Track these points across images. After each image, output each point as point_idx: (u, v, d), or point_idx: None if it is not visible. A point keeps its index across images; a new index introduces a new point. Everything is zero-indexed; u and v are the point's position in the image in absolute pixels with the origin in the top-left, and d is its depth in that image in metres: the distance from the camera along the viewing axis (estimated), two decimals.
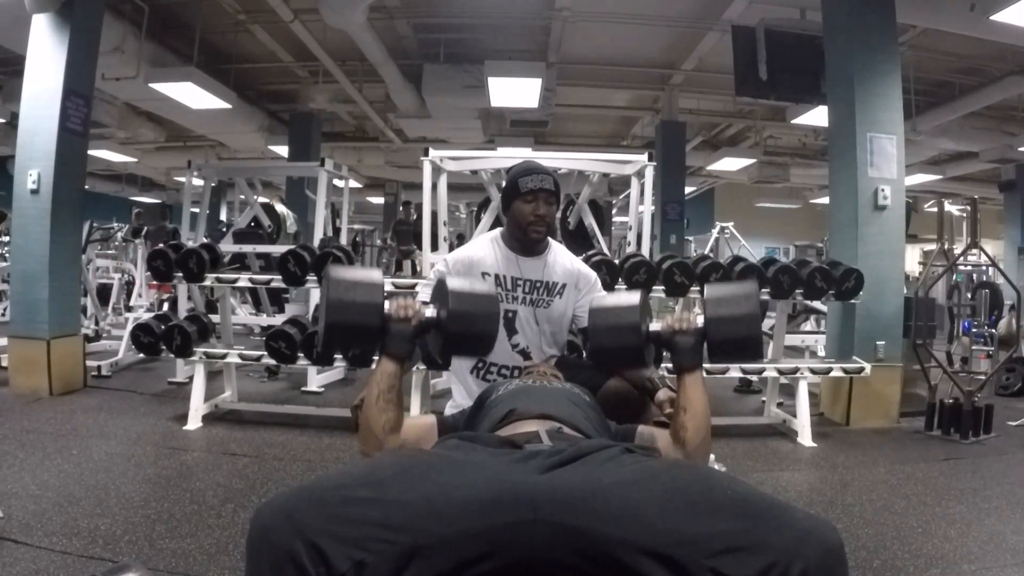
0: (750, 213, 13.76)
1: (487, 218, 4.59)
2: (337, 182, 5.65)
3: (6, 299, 6.62)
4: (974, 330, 6.05)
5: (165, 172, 13.37)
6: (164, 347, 3.68)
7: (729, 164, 10.19)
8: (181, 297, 5.09)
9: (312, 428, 3.73)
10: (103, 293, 6.98)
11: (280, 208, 6.06)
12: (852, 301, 3.92)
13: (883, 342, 4.20)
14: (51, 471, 2.82)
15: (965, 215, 6.73)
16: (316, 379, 4.69)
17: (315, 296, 4.91)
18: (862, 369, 3.84)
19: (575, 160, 4.69)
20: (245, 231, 5.46)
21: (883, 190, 4.20)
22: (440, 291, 1.45)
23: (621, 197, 7.17)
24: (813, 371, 3.85)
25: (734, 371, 3.92)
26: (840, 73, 4.43)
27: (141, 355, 4.65)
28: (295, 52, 7.06)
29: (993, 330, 5.93)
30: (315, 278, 3.62)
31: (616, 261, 3.72)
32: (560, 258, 2.12)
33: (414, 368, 3.38)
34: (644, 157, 4.30)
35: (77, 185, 4.52)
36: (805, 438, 3.71)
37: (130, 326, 4.71)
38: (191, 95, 6.51)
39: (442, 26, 6.55)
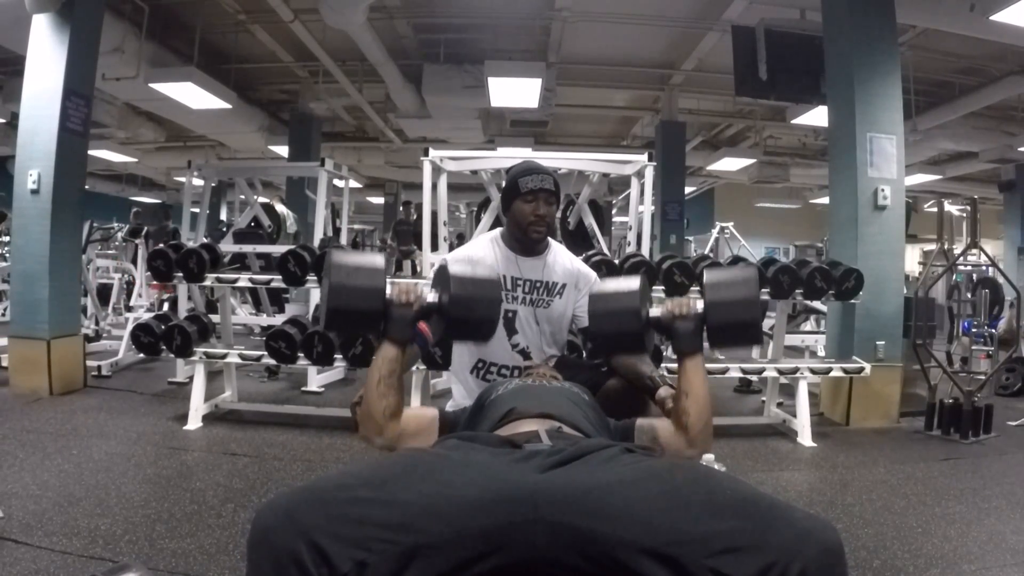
0: (750, 213, 13.77)
1: (487, 218, 4.59)
2: (337, 182, 5.65)
3: (6, 299, 6.62)
4: (974, 330, 6.05)
5: (165, 172, 13.37)
6: (164, 347, 3.68)
7: (729, 164, 10.19)
8: (181, 297, 5.09)
9: (312, 428, 3.73)
10: (103, 293, 6.98)
11: (280, 208, 6.06)
12: (852, 301, 3.92)
13: (883, 342, 4.20)
14: (51, 471, 2.82)
15: (965, 215, 6.74)
16: (316, 379, 4.69)
17: (315, 296, 4.91)
18: (862, 369, 3.84)
19: (575, 160, 4.69)
20: (245, 231, 5.46)
21: (883, 190, 4.20)
22: (442, 277, 1.45)
23: (621, 197, 7.18)
24: (813, 371, 3.85)
25: (734, 371, 3.92)
26: (840, 73, 4.43)
27: (141, 355, 4.65)
28: (295, 52, 7.06)
29: (993, 330, 5.93)
30: (315, 278, 3.62)
31: (616, 261, 3.73)
32: (560, 258, 2.12)
33: (414, 368, 3.38)
34: (644, 157, 4.30)
35: (77, 185, 4.52)
36: (805, 438, 3.71)
37: (130, 326, 4.71)
38: (191, 95, 6.51)
39: (442, 26, 6.55)
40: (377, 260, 1.41)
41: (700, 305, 1.41)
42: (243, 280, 3.83)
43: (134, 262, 6.85)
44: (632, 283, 1.48)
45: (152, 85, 6.14)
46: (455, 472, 0.97)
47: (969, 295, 6.60)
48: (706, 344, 1.43)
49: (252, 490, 2.74)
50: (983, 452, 3.66)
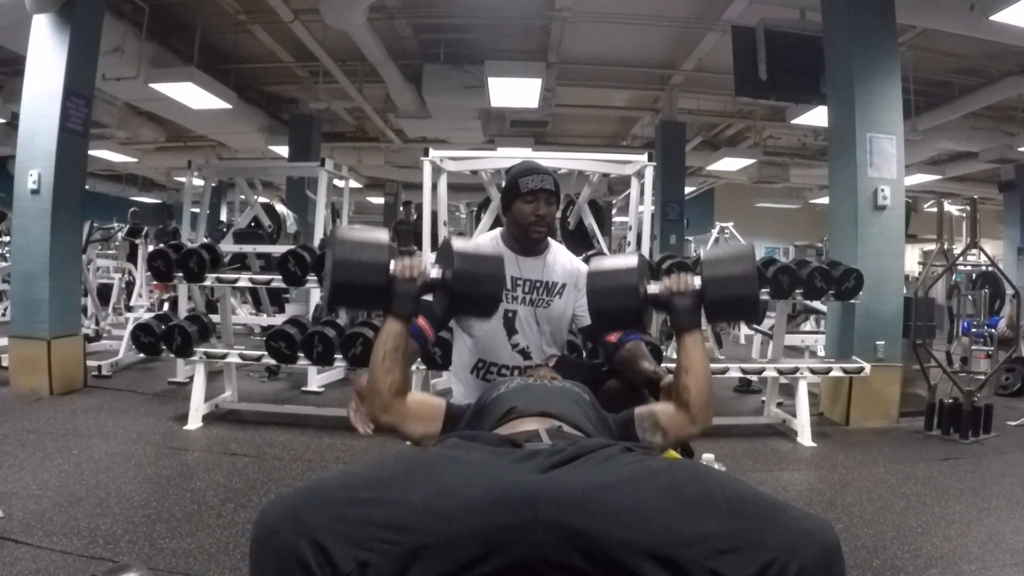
0: (750, 213, 13.77)
1: (487, 218, 4.59)
2: (337, 182, 5.65)
3: (6, 299, 6.62)
4: (974, 330, 6.06)
5: (165, 172, 13.37)
6: (164, 347, 3.68)
7: (729, 164, 10.19)
8: (181, 297, 5.10)
9: (312, 428, 3.73)
10: (103, 293, 6.99)
11: (280, 208, 6.06)
12: (852, 301, 3.93)
13: (883, 342, 4.20)
14: (51, 471, 2.82)
15: (965, 215, 6.74)
16: (316, 379, 4.69)
17: (315, 296, 4.92)
18: (862, 369, 3.84)
19: (575, 160, 4.69)
20: (245, 231, 5.46)
21: (883, 190, 4.20)
22: (445, 253, 1.45)
23: (621, 197, 7.17)
24: (813, 371, 3.86)
25: (734, 371, 3.93)
26: (840, 73, 4.43)
27: (141, 355, 4.65)
28: (295, 52, 7.06)
29: (992, 330, 5.94)
30: (315, 278, 3.62)
31: None
32: (560, 258, 2.12)
33: (414, 368, 3.38)
34: (644, 157, 4.29)
35: (77, 185, 4.53)
36: (805, 438, 3.71)
37: (130, 326, 4.72)
38: (191, 95, 6.51)
39: (442, 26, 6.55)
40: (381, 235, 1.41)
41: (698, 281, 1.41)
42: (243, 280, 3.83)
43: (131, 261, 6.85)
44: (630, 260, 1.48)
45: (152, 85, 6.14)
46: (456, 472, 0.97)
47: (969, 296, 6.60)
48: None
49: (252, 490, 2.74)
50: (983, 452, 3.66)
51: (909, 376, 4.42)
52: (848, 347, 4.21)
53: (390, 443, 3.18)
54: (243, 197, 5.68)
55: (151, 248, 5.44)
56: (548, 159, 4.10)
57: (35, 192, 4.24)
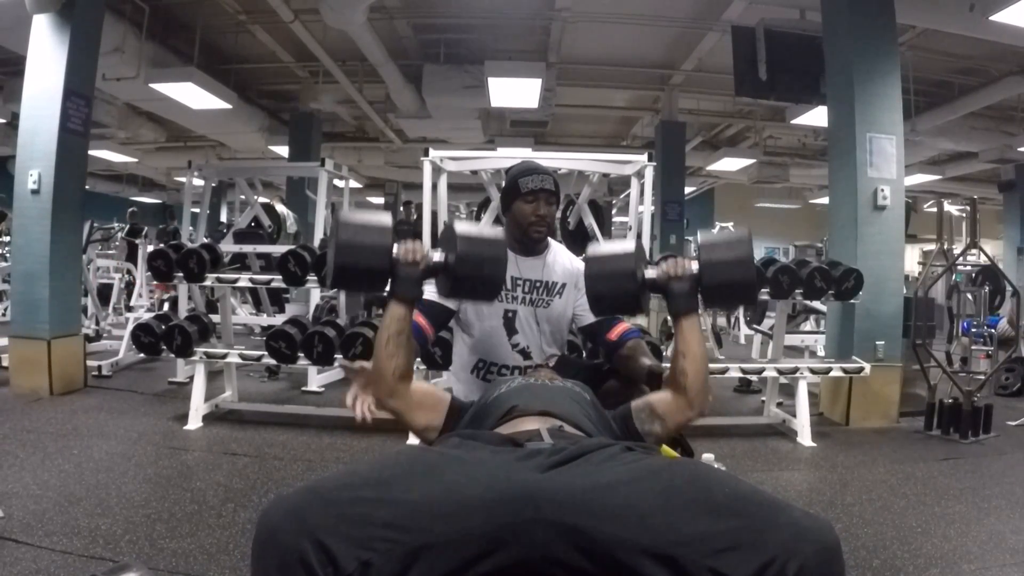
0: (750, 213, 13.78)
1: (487, 218, 4.59)
2: (337, 182, 5.65)
3: (7, 299, 6.62)
4: (973, 330, 6.06)
5: (165, 172, 13.37)
6: (164, 347, 3.69)
7: (729, 164, 10.19)
8: (181, 297, 5.10)
9: (312, 428, 3.73)
10: (103, 293, 6.99)
11: (280, 208, 6.07)
12: (852, 301, 3.93)
13: (882, 342, 4.20)
14: (52, 471, 2.82)
15: (964, 215, 6.74)
16: (316, 379, 4.69)
17: (315, 296, 4.92)
18: (862, 369, 3.84)
19: (575, 160, 4.69)
20: (245, 231, 5.46)
21: (883, 190, 4.20)
22: (448, 237, 1.45)
23: (621, 197, 7.17)
24: (813, 371, 3.86)
25: (734, 371, 3.93)
26: (840, 73, 4.43)
27: (141, 355, 4.65)
28: (295, 52, 7.06)
29: (992, 330, 5.94)
30: (315, 278, 3.62)
31: None
32: (560, 258, 2.12)
33: (414, 368, 3.38)
34: (644, 157, 4.30)
35: (77, 185, 4.53)
36: (805, 438, 3.72)
37: (130, 326, 4.72)
38: (191, 95, 6.51)
39: (442, 26, 6.55)
40: (384, 219, 1.41)
41: (695, 266, 1.41)
42: (243, 280, 3.84)
43: (131, 261, 6.85)
44: (627, 245, 1.49)
45: (152, 85, 6.14)
46: (457, 471, 0.97)
47: (969, 293, 6.60)
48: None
49: (252, 490, 2.75)
50: (983, 452, 3.66)
51: (909, 376, 4.42)
52: (848, 347, 4.21)
53: (390, 443, 3.21)
54: (243, 197, 5.68)
55: (151, 248, 5.44)
56: (548, 159, 4.10)
57: (35, 192, 4.24)
